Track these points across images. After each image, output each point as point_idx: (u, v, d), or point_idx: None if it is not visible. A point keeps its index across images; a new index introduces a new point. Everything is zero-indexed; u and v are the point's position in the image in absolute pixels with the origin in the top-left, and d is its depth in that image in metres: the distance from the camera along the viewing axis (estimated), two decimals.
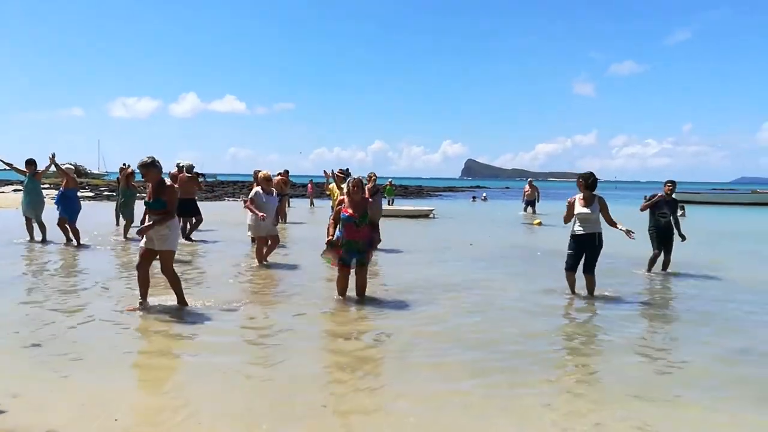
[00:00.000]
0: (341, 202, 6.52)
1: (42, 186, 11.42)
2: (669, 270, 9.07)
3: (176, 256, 9.64)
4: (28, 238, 11.09)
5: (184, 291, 6.08)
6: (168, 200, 5.79)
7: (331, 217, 6.88)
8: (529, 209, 22.87)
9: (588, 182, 7.04)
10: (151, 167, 5.79)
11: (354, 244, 6.42)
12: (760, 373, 4.54)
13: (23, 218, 11.33)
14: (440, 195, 50.61)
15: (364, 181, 6.66)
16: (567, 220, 7.29)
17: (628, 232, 7.02)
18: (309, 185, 29.46)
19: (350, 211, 6.36)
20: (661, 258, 9.10)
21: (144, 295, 5.96)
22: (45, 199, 11.47)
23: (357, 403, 3.74)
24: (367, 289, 6.73)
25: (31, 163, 11.18)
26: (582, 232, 7.05)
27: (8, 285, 7.06)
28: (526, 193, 23.32)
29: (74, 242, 10.67)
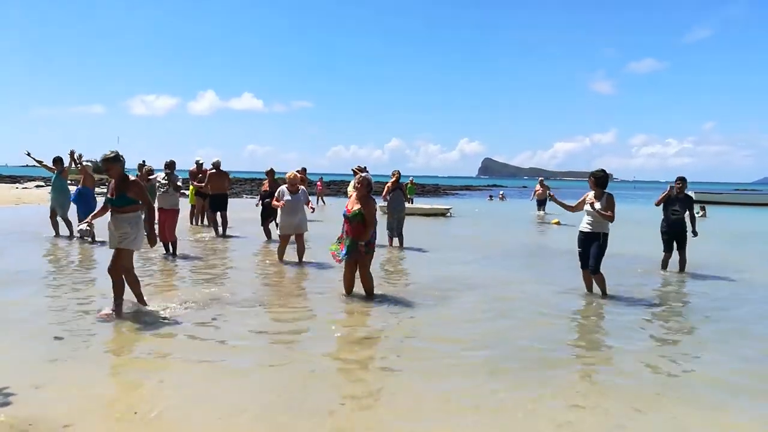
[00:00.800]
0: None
1: (68, 183, 11.68)
2: (688, 270, 8.97)
3: (197, 252, 9.83)
4: (54, 234, 11.33)
5: (208, 286, 6.02)
6: (136, 195, 5.57)
7: None
8: (542, 209, 22.81)
9: (598, 180, 7.02)
10: (114, 162, 5.54)
11: (345, 240, 6.56)
12: None
13: (50, 213, 11.60)
14: (457, 194, 50.44)
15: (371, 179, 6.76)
16: (573, 209, 7.32)
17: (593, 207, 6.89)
18: (318, 183, 27.92)
19: (348, 207, 6.58)
20: (675, 258, 9.00)
21: (139, 296, 5.80)
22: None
23: (373, 402, 3.79)
24: (384, 288, 6.74)
25: (57, 161, 11.43)
26: (588, 230, 7.04)
27: (33, 278, 7.24)
28: (537, 193, 23.33)
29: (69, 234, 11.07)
